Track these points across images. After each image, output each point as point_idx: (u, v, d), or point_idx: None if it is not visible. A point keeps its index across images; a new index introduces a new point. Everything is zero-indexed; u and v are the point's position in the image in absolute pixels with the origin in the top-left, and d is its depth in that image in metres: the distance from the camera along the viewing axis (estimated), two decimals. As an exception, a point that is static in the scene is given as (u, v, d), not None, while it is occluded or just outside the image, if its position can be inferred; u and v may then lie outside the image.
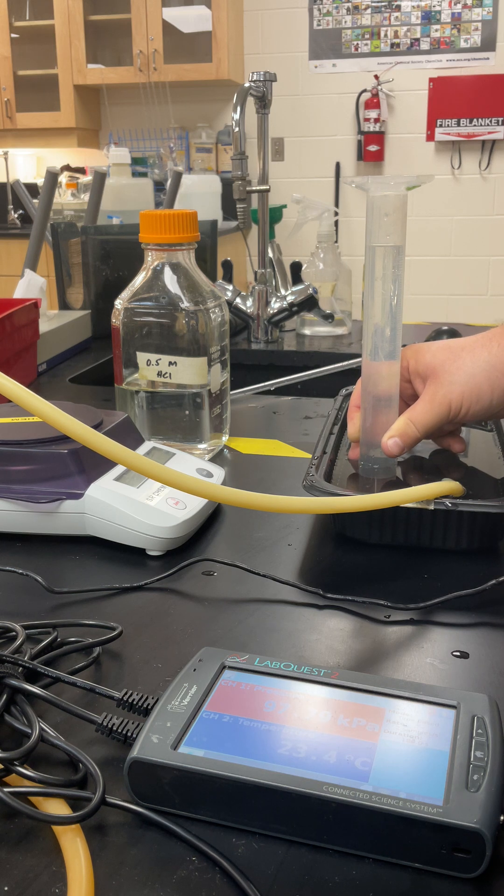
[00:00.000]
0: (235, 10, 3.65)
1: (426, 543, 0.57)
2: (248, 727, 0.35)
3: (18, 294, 1.23)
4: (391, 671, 0.44)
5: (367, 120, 3.73)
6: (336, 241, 1.41)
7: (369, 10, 3.69)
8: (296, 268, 1.36)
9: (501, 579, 0.50)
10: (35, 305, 1.05)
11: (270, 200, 1.34)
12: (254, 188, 1.24)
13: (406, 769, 0.33)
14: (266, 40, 3.80)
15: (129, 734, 0.36)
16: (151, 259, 0.74)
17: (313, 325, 1.38)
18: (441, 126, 3.72)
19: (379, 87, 3.71)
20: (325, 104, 3.83)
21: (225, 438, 0.80)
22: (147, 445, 0.66)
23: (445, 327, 1.20)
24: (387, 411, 0.60)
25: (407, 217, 0.57)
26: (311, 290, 1.29)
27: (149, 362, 0.73)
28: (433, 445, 0.67)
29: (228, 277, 1.34)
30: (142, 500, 0.57)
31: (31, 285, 1.23)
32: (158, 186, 3.23)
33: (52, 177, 1.25)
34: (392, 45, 3.70)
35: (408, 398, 0.63)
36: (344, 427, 0.69)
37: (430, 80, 3.70)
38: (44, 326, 1.15)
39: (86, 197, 2.49)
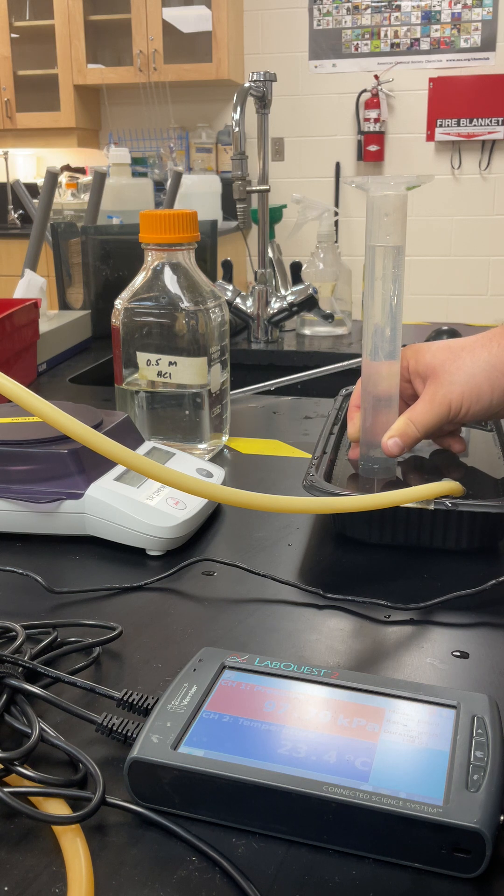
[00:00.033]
0: (235, 10, 3.65)
1: (426, 543, 0.57)
2: (248, 727, 0.35)
3: (18, 294, 1.23)
4: (391, 671, 0.44)
5: (367, 120, 3.73)
6: (336, 241, 1.41)
7: (369, 10, 3.69)
8: (296, 268, 1.36)
9: (501, 579, 0.50)
10: (35, 305, 1.05)
11: (270, 200, 1.34)
12: (254, 188, 1.24)
13: (406, 769, 0.33)
14: (266, 40, 3.80)
15: (129, 734, 0.36)
16: (151, 259, 0.74)
17: (313, 325, 1.38)
18: (441, 126, 3.72)
19: (379, 87, 3.71)
20: (325, 104, 3.83)
21: (225, 438, 0.80)
22: (147, 445, 0.66)
23: (445, 327, 1.20)
24: (387, 411, 0.60)
25: (407, 217, 0.57)
26: (311, 290, 1.29)
27: (149, 362, 0.73)
28: (433, 445, 0.67)
29: (228, 277, 1.34)
30: (142, 500, 0.57)
31: (31, 285, 1.23)
32: (158, 186, 3.23)
33: (52, 177, 1.25)
34: (392, 45, 3.70)
35: (408, 398, 0.63)
36: (344, 427, 0.69)
37: (430, 80, 3.70)
38: (44, 326, 1.15)
39: (86, 197, 2.49)
